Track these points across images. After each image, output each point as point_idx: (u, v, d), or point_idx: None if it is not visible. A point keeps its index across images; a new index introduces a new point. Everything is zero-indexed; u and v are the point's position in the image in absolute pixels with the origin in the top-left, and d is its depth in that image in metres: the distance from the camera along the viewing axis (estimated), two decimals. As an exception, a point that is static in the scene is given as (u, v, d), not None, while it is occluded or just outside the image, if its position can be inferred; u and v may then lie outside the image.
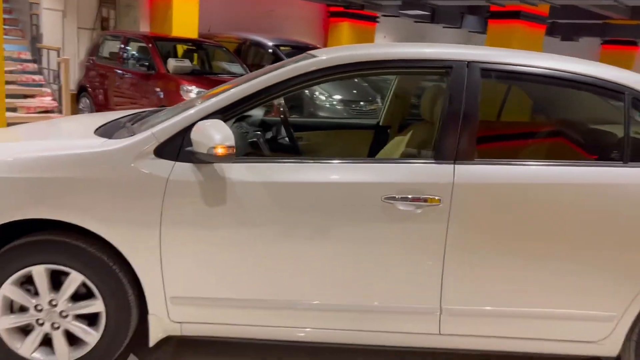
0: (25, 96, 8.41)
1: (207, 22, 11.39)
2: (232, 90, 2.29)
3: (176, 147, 2.19)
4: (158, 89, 7.16)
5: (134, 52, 8.16)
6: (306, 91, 7.81)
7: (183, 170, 2.17)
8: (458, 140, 2.25)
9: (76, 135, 2.47)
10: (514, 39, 10.34)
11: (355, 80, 8.15)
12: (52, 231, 2.21)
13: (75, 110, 8.89)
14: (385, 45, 2.58)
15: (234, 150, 2.07)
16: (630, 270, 2.25)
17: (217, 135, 2.04)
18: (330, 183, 2.20)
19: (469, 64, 2.32)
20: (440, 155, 2.26)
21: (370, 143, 3.52)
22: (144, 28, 10.78)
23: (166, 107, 6.56)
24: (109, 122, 2.70)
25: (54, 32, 9.68)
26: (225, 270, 2.21)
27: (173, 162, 2.18)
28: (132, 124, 2.56)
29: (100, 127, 2.58)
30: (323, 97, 7.87)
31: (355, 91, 8.27)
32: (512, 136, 2.77)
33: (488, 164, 2.25)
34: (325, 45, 14.11)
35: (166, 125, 2.22)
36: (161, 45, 7.90)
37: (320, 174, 2.22)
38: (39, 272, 2.20)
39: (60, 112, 8.37)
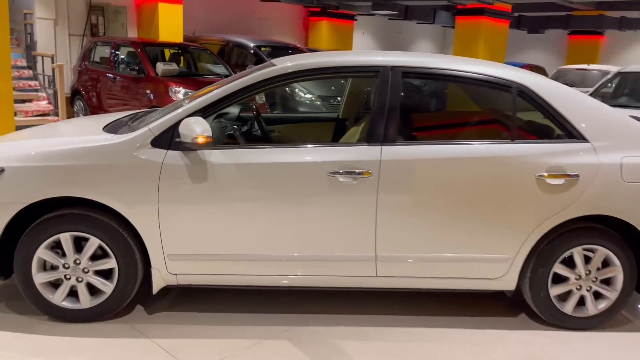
0: (23, 101, 9.00)
1: (191, 25, 12.01)
2: (209, 93, 2.96)
3: (168, 139, 2.85)
4: (148, 91, 7.79)
5: (124, 57, 8.78)
6: (287, 89, 8.48)
7: (174, 156, 2.83)
8: (385, 127, 2.93)
9: (89, 132, 3.12)
10: (480, 34, 11.07)
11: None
12: (74, 206, 2.87)
13: (71, 113, 9.49)
14: (330, 54, 3.25)
15: (212, 140, 2.74)
16: (519, 222, 2.95)
17: (198, 129, 2.71)
18: (287, 163, 2.87)
19: (393, 68, 3.00)
20: (371, 139, 2.94)
21: (332, 133, 4.20)
22: (132, 33, 11.37)
23: (157, 107, 7.27)
24: (114, 122, 3.36)
25: (47, 39, 10.27)
26: (207, 232, 2.88)
27: (166, 150, 2.84)
28: (132, 122, 3.22)
29: (106, 125, 3.24)
30: (302, 94, 8.53)
31: (333, 87, 8.93)
32: (427, 123, 3.45)
33: (407, 144, 2.94)
34: (306, 43, 14.74)
35: (160, 122, 2.89)
36: (149, 50, 8.52)
37: (279, 156, 2.89)
38: (66, 238, 2.86)
39: (56, 114, 8.97)
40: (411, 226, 2.93)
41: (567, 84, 12.48)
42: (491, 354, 2.89)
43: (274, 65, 3.08)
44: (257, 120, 3.88)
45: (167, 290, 3.12)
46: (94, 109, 9.02)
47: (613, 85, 7.83)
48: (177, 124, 2.83)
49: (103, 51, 9.18)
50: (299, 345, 2.85)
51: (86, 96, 9.18)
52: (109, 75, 8.73)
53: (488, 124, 3.35)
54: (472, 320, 3.21)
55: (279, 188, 2.87)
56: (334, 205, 2.89)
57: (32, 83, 9.41)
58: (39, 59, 9.66)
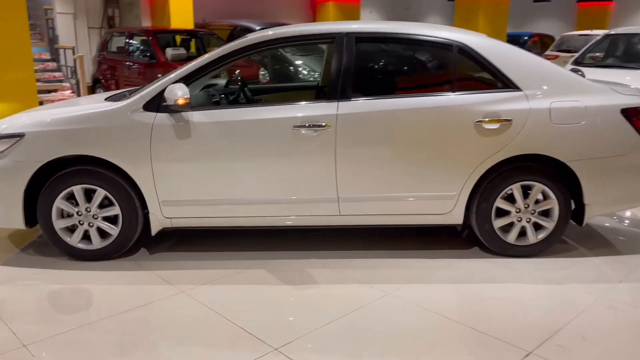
0: (49, 91, 9.73)
1: (201, 12, 12.54)
2: (190, 63, 3.48)
3: (156, 103, 3.38)
4: (159, 75, 8.37)
5: (137, 45, 9.39)
6: (291, 68, 8.92)
7: (162, 118, 3.36)
8: (340, 85, 3.40)
9: (93, 102, 3.69)
10: (481, 6, 11.29)
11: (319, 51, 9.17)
12: (84, 163, 3.44)
13: (92, 100, 10.17)
14: (294, 26, 3.73)
15: (190, 101, 3.25)
16: (461, 163, 3.40)
17: (179, 92, 3.23)
18: (257, 119, 3.37)
19: (347, 34, 3.46)
20: (330, 96, 3.42)
21: (313, 97, 4.67)
22: (146, 23, 11.98)
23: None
24: (117, 94, 3.92)
25: (68, 33, 10.97)
26: (192, 181, 3.41)
27: (155, 113, 3.37)
28: (130, 94, 3.77)
29: (109, 97, 3.80)
30: (292, 68, 8.95)
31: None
32: (379, 81, 3.88)
33: (360, 99, 3.40)
34: (314, 24, 15.09)
35: (149, 89, 3.42)
36: (161, 37, 9.10)
37: (251, 114, 3.40)
38: (78, 190, 3.43)
39: (79, 102, 9.67)
40: (366, 170, 3.40)
41: (569, 50, 12.51)
42: (438, 274, 3.36)
43: (246, 37, 3.57)
44: (243, 91, 4.38)
45: (167, 236, 3.67)
46: (113, 96, 9.66)
47: (605, 47, 8.03)
48: (164, 90, 3.36)
49: (119, 41, 9.81)
50: (273, 273, 3.38)
51: (106, 84, 9.84)
52: (125, 62, 9.36)
53: (433, 78, 3.78)
54: (429, 253, 3.68)
55: (249, 141, 3.36)
56: (298, 154, 3.37)
57: (57, 74, 10.14)
58: (62, 51, 10.37)
